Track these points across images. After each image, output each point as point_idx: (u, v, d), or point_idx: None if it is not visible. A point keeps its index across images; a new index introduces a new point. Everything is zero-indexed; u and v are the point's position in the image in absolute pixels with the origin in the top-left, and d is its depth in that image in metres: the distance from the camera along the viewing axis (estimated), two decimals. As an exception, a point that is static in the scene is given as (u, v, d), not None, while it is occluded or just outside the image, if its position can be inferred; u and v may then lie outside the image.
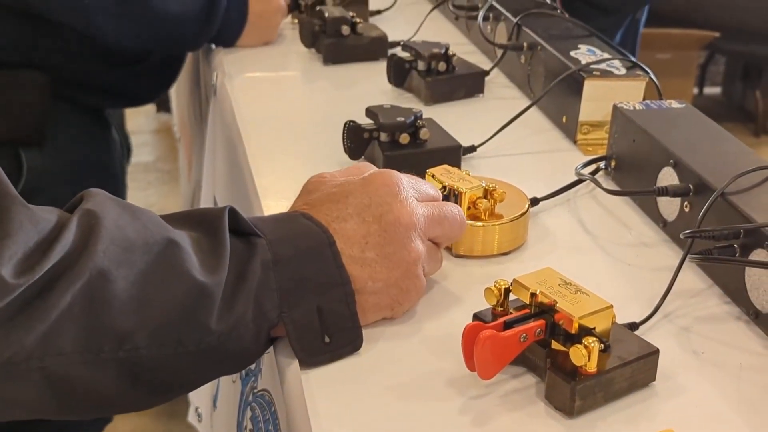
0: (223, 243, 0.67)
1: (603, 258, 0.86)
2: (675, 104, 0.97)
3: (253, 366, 0.92)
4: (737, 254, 0.75)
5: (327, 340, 0.69)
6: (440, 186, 0.84)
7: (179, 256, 0.64)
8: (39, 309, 0.59)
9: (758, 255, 0.73)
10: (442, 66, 1.21)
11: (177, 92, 2.32)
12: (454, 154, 1.01)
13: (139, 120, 3.78)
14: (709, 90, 4.29)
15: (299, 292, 0.68)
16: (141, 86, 1.50)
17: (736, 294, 0.77)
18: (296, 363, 0.68)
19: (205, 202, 1.45)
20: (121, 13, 1.29)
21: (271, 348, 0.72)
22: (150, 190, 3.27)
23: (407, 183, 0.75)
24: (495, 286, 0.69)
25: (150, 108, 3.77)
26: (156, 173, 3.38)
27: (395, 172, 0.76)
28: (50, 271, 0.59)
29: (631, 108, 0.96)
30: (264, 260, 0.67)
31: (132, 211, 0.65)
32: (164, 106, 3.49)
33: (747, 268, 0.75)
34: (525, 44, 1.22)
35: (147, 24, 1.33)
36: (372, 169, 0.79)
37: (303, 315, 0.68)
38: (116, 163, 1.55)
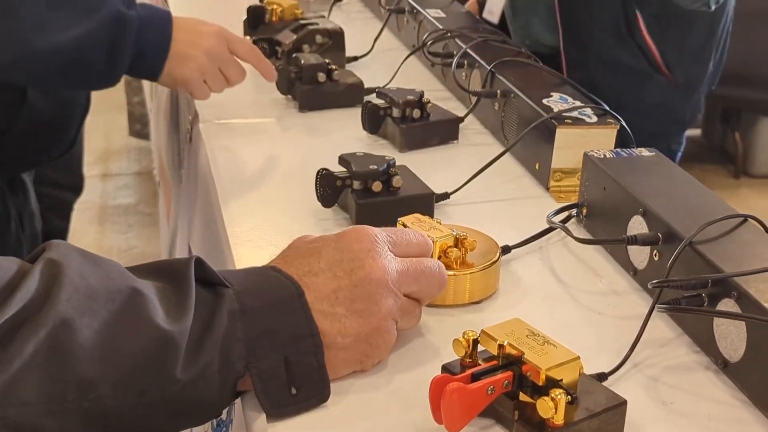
0: (189, 292, 0.66)
1: (574, 307, 0.86)
2: (645, 152, 0.98)
3: (224, 416, 0.91)
4: (705, 303, 0.76)
5: (294, 391, 0.68)
6: (411, 235, 0.84)
7: (143, 304, 0.64)
8: (0, 358, 0.58)
9: (726, 305, 0.73)
10: (416, 113, 1.22)
11: (157, 136, 2.33)
12: (426, 201, 1.02)
13: (121, 163, 3.77)
14: (689, 132, 4.31)
15: (266, 343, 0.67)
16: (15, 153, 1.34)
17: (705, 343, 0.77)
18: (263, 416, 0.68)
19: (180, 249, 1.44)
20: None
21: (239, 399, 0.71)
22: (130, 233, 3.26)
23: (383, 238, 0.75)
24: (463, 337, 0.69)
25: (132, 149, 3.78)
26: (137, 216, 3.37)
27: (370, 228, 0.76)
28: (11, 319, 0.59)
29: (602, 156, 0.97)
30: (231, 310, 0.67)
31: (95, 261, 0.65)
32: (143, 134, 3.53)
33: (715, 317, 0.76)
34: (498, 91, 1.23)
35: (28, 61, 1.15)
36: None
37: (270, 366, 0.67)
38: (10, 233, 1.41)
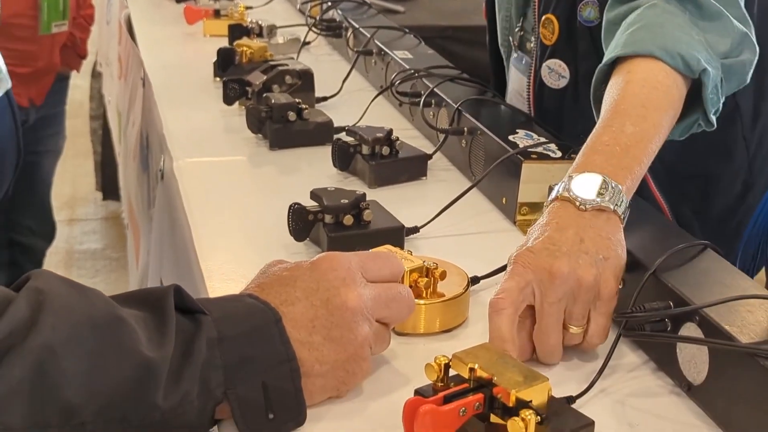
0: (169, 319, 0.68)
1: (542, 334, 0.88)
2: (609, 185, 1.01)
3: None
4: (668, 328, 0.78)
5: (271, 416, 0.69)
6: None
7: (126, 332, 0.65)
8: None
9: (688, 329, 0.76)
10: (385, 150, 1.24)
11: (125, 178, 2.33)
12: (397, 234, 1.04)
13: (87, 208, 3.77)
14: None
15: (245, 370, 0.69)
16: None
17: (670, 368, 0.80)
18: (240, 441, 0.69)
19: (152, 285, 1.45)
20: None
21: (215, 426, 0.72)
22: (98, 278, 3.24)
23: (356, 265, 0.77)
24: (435, 362, 0.71)
25: (97, 195, 3.77)
26: (104, 261, 3.36)
27: (343, 255, 0.77)
28: None
29: (567, 189, 0.99)
30: (210, 338, 0.68)
31: (80, 289, 0.66)
32: (112, 195, 3.50)
33: (678, 342, 0.78)
34: (465, 129, 1.26)
35: None
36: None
37: (248, 392, 0.69)
38: None
